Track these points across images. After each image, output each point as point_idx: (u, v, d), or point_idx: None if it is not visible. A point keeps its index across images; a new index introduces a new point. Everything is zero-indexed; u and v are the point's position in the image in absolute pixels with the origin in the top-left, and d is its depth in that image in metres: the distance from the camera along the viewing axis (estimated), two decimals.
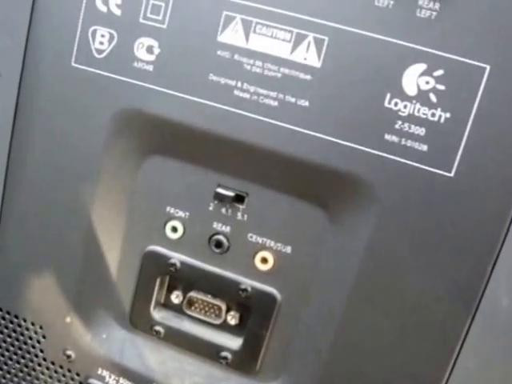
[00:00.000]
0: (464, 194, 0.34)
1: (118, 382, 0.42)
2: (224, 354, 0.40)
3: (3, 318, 0.43)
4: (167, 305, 0.41)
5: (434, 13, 0.33)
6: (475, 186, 0.33)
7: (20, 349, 0.44)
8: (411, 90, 0.34)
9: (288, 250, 0.38)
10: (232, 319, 0.40)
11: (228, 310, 0.40)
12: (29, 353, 0.43)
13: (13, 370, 0.44)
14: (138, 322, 0.41)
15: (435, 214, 0.34)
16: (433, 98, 0.33)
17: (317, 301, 0.38)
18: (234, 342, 0.40)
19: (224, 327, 0.40)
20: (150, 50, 0.37)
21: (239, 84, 0.36)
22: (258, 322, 0.39)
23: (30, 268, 0.42)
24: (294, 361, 0.39)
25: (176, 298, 0.41)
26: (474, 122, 0.33)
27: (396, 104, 0.34)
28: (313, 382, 0.38)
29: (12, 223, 0.41)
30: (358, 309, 0.36)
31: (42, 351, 0.43)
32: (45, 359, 0.43)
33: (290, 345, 0.39)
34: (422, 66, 0.33)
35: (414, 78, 0.33)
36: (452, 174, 0.33)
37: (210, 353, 0.40)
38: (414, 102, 0.34)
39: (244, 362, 0.40)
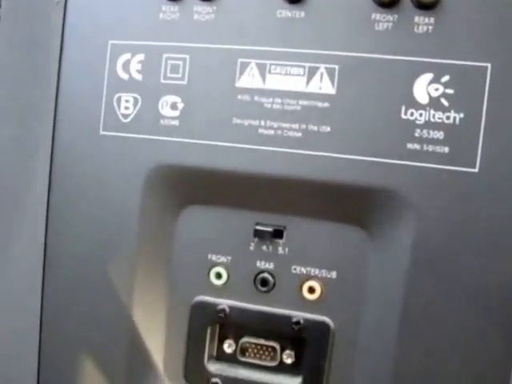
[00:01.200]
0: (491, 187, 0.35)
1: None
2: None
3: None
4: (220, 356, 0.41)
5: (430, 26, 0.36)
6: (501, 178, 0.35)
7: None
8: (423, 99, 0.36)
9: (333, 275, 0.39)
10: (288, 358, 0.39)
11: (283, 350, 0.40)
12: None
13: None
14: (194, 378, 0.41)
15: (468, 210, 0.35)
16: (444, 102, 0.36)
17: (370, 322, 0.38)
18: (294, 381, 0.39)
19: (281, 368, 0.40)
20: (174, 106, 0.39)
21: (262, 123, 0.38)
22: (315, 354, 0.39)
23: (76, 345, 0.41)
24: None
25: (228, 347, 0.40)
26: (488, 116, 0.35)
27: (412, 114, 0.36)
28: None
29: (54, 293, 0.42)
30: (413, 321, 0.36)
31: None
32: None
33: (350, 374, 0.38)
34: (429, 76, 0.36)
35: (423, 88, 0.36)
36: (477, 170, 0.35)
37: None
38: (428, 108, 0.36)
39: None
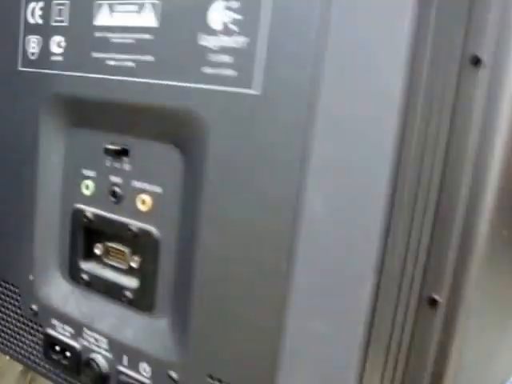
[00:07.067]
0: (272, 109, 0.36)
1: (64, 329, 0.49)
2: (126, 293, 0.45)
3: None
4: (92, 256, 0.48)
5: None
6: (281, 100, 0.36)
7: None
8: (216, 25, 0.38)
9: (159, 190, 0.43)
10: (133, 262, 0.45)
11: (133, 255, 0.45)
12: (9, 310, 0.53)
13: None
14: (73, 273, 0.49)
15: (252, 129, 0.37)
16: (234, 27, 0.37)
17: (184, 232, 0.42)
18: (133, 283, 0.45)
19: (129, 271, 0.46)
20: (59, 44, 0.47)
21: (109, 55, 0.44)
22: (147, 260, 0.44)
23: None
24: (178, 294, 0.42)
25: (98, 249, 0.47)
26: (270, 42, 0.36)
27: (206, 40, 0.39)
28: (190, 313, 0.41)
29: None
30: (210, 226, 0.40)
31: (20, 308, 0.52)
32: (22, 315, 0.52)
33: (173, 279, 0.43)
34: (221, 3, 0.38)
35: (216, 14, 0.38)
36: (259, 92, 0.37)
37: (117, 294, 0.46)
38: (220, 34, 0.38)
39: (142, 299, 0.44)
